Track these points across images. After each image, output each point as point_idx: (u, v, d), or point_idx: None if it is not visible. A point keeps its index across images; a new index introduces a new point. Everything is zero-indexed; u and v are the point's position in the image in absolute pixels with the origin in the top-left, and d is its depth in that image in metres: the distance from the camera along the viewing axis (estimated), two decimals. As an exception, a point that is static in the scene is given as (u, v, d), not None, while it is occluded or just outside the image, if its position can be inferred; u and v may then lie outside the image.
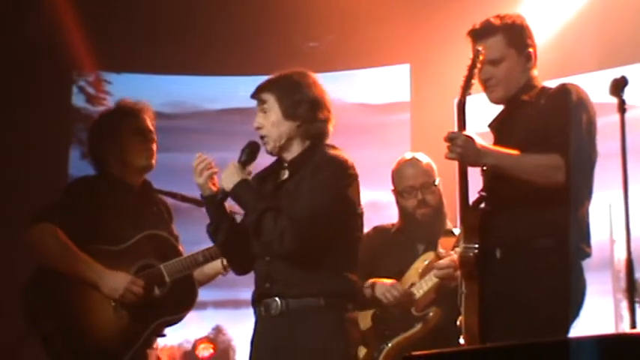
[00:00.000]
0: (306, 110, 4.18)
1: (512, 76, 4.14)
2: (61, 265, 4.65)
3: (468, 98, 3.95)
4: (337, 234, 4.13)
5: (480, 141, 3.89)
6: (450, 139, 3.86)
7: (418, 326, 4.93)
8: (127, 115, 4.97)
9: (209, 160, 4.23)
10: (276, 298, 4.11)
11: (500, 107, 4.22)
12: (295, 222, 4.02)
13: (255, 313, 4.26)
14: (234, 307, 8.20)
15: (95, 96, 8.15)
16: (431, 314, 4.91)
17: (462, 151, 3.85)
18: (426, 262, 4.95)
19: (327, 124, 4.25)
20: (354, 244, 4.23)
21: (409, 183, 5.08)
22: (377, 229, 5.23)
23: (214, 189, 4.23)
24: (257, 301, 4.22)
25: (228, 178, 4.14)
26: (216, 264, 4.89)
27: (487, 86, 4.11)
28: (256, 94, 4.25)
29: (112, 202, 4.81)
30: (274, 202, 4.10)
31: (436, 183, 5.06)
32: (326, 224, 4.08)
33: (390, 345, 4.96)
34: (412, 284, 4.98)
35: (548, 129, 3.92)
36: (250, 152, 4.21)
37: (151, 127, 4.97)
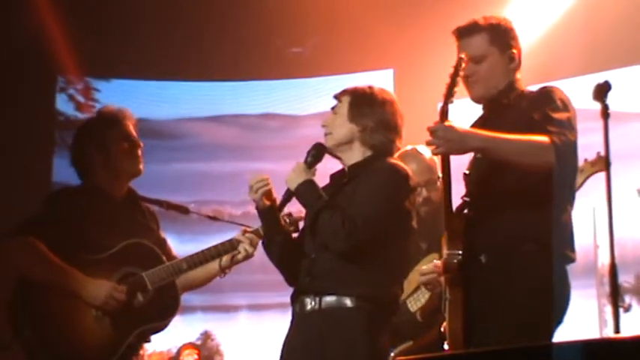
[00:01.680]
0: (371, 121, 4.30)
1: (494, 74, 4.15)
2: (42, 276, 4.64)
3: (452, 104, 3.95)
4: (387, 241, 4.19)
5: (462, 127, 3.89)
6: (431, 132, 3.85)
7: (424, 334, 4.90)
8: (110, 122, 4.94)
9: (266, 177, 4.31)
10: (312, 295, 4.16)
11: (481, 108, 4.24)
12: (350, 222, 4.08)
13: (292, 310, 4.31)
14: (223, 311, 8.22)
15: (84, 104, 8.16)
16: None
17: (445, 140, 3.84)
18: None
19: (392, 144, 4.36)
20: (401, 255, 4.31)
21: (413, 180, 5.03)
22: None
23: (268, 203, 4.31)
24: (295, 298, 4.27)
25: (293, 179, 4.22)
26: (210, 267, 4.87)
27: (468, 83, 4.12)
28: (338, 96, 4.40)
29: (94, 211, 4.79)
30: (332, 202, 4.18)
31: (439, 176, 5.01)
32: (379, 229, 4.14)
33: (392, 354, 4.82)
34: (417, 288, 4.93)
35: (533, 122, 3.92)
36: (316, 154, 4.31)
37: (135, 133, 4.95)
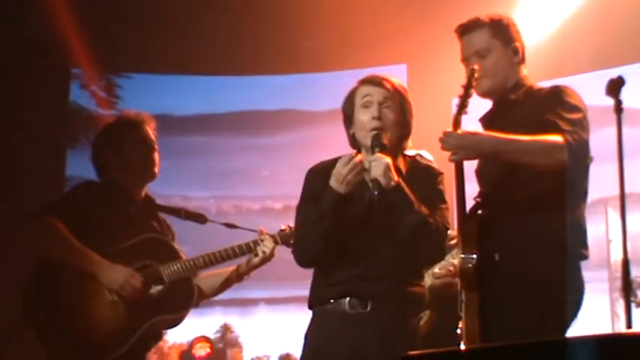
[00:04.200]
0: (411, 126, 4.27)
1: (499, 67, 4.17)
2: (61, 256, 4.70)
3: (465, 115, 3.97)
4: None
5: (473, 131, 3.92)
6: (444, 141, 3.87)
7: None
8: (128, 126, 5.05)
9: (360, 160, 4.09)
10: (366, 298, 4.10)
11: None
12: (445, 229, 4.11)
13: (320, 307, 4.21)
14: (241, 305, 8.26)
15: (106, 100, 8.19)
16: (424, 318, 4.88)
17: (459, 148, 3.85)
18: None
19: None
20: None
21: None
22: None
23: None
24: (338, 297, 4.14)
25: (389, 175, 4.02)
26: (230, 274, 4.91)
27: (474, 78, 4.12)
28: (384, 85, 4.22)
29: (114, 208, 4.88)
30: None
31: None
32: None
33: None
34: None
35: (546, 122, 3.93)
36: (380, 144, 4.11)
37: (153, 137, 5.04)
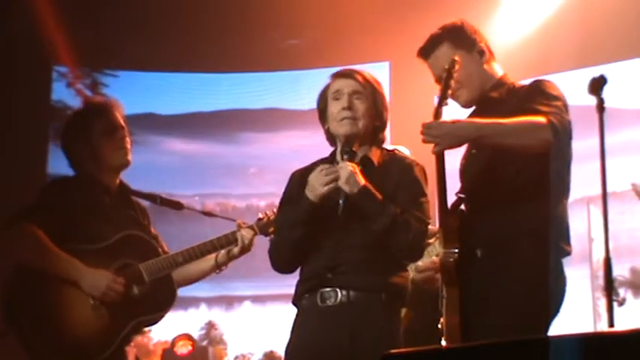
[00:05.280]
0: (387, 117, 4.31)
1: (471, 74, 4.17)
2: (41, 264, 4.61)
3: (446, 106, 3.97)
4: None
5: (454, 119, 3.92)
6: (425, 130, 3.87)
7: None
8: (96, 112, 4.89)
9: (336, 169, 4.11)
10: (337, 289, 4.10)
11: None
12: (423, 224, 4.12)
13: (298, 303, 4.23)
14: (226, 302, 8.27)
15: (92, 98, 8.16)
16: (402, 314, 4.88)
17: (442, 136, 3.85)
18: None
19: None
20: None
21: None
22: None
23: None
24: (310, 291, 4.16)
25: (353, 181, 4.06)
26: (207, 263, 4.87)
27: (452, 92, 4.08)
28: (354, 77, 4.26)
29: (89, 202, 4.76)
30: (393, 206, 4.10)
31: None
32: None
33: None
34: None
35: (527, 110, 3.92)
36: (350, 151, 4.17)
37: (123, 124, 4.88)
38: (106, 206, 4.83)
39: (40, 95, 8.14)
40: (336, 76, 4.32)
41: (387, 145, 4.46)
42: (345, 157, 4.14)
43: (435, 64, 4.19)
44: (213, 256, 4.84)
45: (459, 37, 4.21)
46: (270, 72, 8.68)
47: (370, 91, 4.26)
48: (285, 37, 8.40)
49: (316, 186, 4.08)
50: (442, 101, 3.96)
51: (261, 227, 4.82)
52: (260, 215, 4.87)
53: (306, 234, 4.14)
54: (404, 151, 5.05)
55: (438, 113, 3.93)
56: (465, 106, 4.20)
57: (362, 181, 4.06)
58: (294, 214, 4.18)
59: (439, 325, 4.03)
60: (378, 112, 4.26)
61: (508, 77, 4.24)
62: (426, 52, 4.24)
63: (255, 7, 7.85)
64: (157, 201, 5.06)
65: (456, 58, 4.03)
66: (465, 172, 4.17)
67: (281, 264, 4.29)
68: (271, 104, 8.79)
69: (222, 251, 4.80)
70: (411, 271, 4.69)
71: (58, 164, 6.94)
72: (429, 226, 4.25)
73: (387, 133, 4.41)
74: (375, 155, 4.28)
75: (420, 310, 4.71)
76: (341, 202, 4.08)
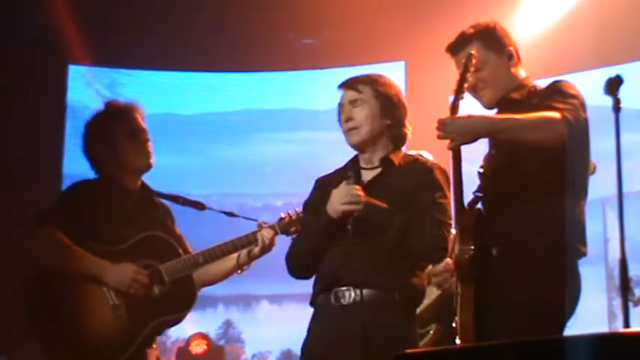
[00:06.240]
0: (400, 114, 4.30)
1: (498, 76, 4.17)
2: (63, 265, 4.62)
3: (462, 100, 3.96)
4: None
5: (469, 114, 3.91)
6: (440, 125, 3.87)
7: (420, 344, 4.78)
8: (117, 116, 4.91)
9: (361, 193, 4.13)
10: (350, 288, 4.11)
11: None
12: (443, 226, 4.13)
13: (314, 302, 4.25)
14: (244, 301, 8.30)
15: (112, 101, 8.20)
16: (431, 332, 4.84)
17: (457, 132, 3.85)
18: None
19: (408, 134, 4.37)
20: None
21: None
22: None
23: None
24: (325, 290, 4.18)
25: (350, 203, 4.10)
26: (228, 263, 4.87)
27: (476, 92, 4.12)
28: (350, 86, 4.29)
29: (111, 205, 4.77)
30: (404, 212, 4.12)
31: None
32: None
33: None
34: None
35: (540, 109, 3.92)
36: (356, 171, 4.24)
37: (144, 127, 4.91)
38: (128, 209, 4.84)
39: (55, 94, 8.16)
40: (339, 87, 4.36)
41: (411, 151, 4.46)
42: (351, 180, 4.17)
43: (462, 62, 4.18)
44: (234, 256, 4.83)
45: (490, 38, 4.19)
46: (286, 71, 8.69)
47: (370, 94, 4.27)
48: (299, 36, 8.40)
49: (336, 205, 4.11)
50: (458, 95, 3.95)
51: (282, 227, 4.81)
52: (282, 215, 4.86)
53: (323, 244, 4.19)
54: (427, 156, 5.04)
55: (454, 107, 3.93)
56: (487, 106, 4.19)
57: (362, 195, 4.10)
58: (313, 226, 4.24)
59: (453, 324, 4.03)
60: (386, 111, 4.26)
61: (530, 80, 4.23)
62: (453, 49, 4.22)
63: (269, 6, 7.86)
64: (180, 201, 5.06)
65: (473, 52, 4.03)
66: (483, 172, 4.17)
67: (297, 270, 4.33)
68: (287, 104, 8.81)
69: (244, 251, 4.79)
70: (431, 291, 4.70)
71: (73, 164, 6.99)
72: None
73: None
74: (396, 157, 4.30)
75: (447, 323, 4.72)
76: (349, 227, 4.12)
